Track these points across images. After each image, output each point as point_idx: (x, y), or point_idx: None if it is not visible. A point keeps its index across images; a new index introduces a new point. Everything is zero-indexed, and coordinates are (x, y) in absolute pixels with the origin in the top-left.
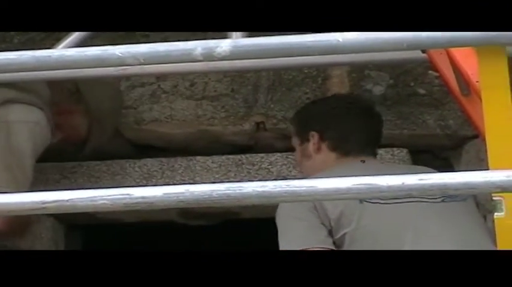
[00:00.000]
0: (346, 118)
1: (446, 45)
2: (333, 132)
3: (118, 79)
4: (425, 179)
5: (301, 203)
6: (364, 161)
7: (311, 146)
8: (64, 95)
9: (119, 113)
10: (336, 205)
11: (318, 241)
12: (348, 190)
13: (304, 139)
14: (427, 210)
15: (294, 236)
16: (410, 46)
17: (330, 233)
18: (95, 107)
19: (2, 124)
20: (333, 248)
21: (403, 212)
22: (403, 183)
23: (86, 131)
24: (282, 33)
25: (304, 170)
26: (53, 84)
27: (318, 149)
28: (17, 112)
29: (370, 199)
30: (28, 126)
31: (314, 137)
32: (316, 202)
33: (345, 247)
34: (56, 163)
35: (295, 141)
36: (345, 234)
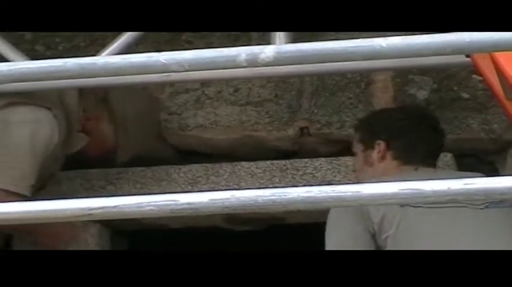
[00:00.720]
0: (414, 130)
1: (490, 50)
2: (400, 143)
3: (161, 86)
4: (471, 184)
5: (347, 208)
6: (416, 169)
7: (375, 154)
8: (92, 101)
9: (152, 120)
10: (378, 209)
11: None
12: (394, 195)
13: (369, 146)
14: (469, 216)
15: (337, 243)
16: (454, 51)
17: (374, 237)
18: (121, 113)
19: (2, 126)
20: None
21: (444, 217)
22: (448, 188)
23: (113, 137)
24: (323, 34)
25: (362, 176)
26: (83, 90)
27: (382, 158)
28: (16, 113)
29: (414, 204)
30: (27, 125)
31: (380, 145)
32: (359, 207)
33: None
34: (101, 169)
35: (358, 147)
36: (387, 237)
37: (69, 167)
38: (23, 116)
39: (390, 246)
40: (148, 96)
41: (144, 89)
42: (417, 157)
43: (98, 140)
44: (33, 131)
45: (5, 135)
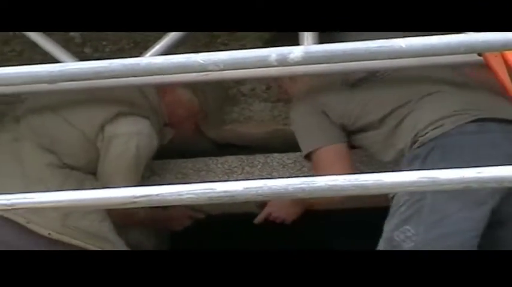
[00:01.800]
0: None
1: (501, 48)
2: None
3: None
4: (483, 173)
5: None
6: None
7: None
8: None
9: (222, 88)
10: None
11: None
12: (412, 183)
13: None
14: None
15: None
16: (468, 50)
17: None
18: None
19: (111, 138)
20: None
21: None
22: (462, 176)
23: (195, 99)
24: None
25: None
26: None
27: None
28: (122, 126)
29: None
30: (132, 138)
31: None
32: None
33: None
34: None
35: None
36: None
37: None
38: (128, 128)
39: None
40: (223, 88)
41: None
42: None
43: (181, 107)
44: (139, 142)
45: (112, 148)
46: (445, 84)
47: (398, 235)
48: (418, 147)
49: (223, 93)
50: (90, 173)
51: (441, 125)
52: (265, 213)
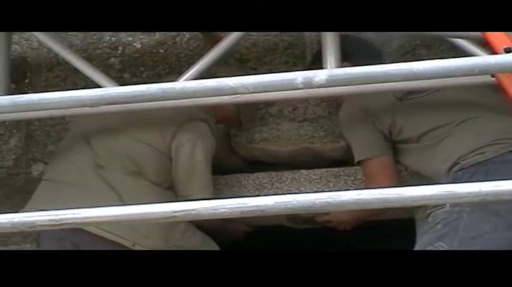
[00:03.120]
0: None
1: None
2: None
3: None
4: (500, 186)
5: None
6: None
7: None
8: None
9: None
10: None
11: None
12: (432, 197)
13: None
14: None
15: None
16: (481, 71)
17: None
18: None
19: (178, 148)
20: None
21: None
22: (480, 189)
23: (236, 108)
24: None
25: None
26: None
27: None
28: (185, 133)
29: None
30: (196, 142)
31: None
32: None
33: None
34: None
35: None
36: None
37: None
38: (190, 135)
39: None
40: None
41: None
42: None
43: (223, 113)
44: (203, 144)
45: (180, 157)
46: (484, 109)
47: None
48: (460, 170)
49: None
50: (169, 189)
51: (483, 152)
52: (327, 218)
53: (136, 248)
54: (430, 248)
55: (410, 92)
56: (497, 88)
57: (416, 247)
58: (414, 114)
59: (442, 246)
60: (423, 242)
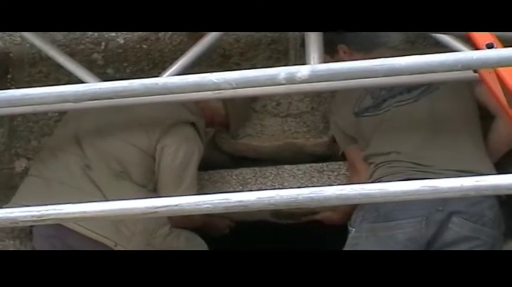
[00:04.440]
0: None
1: (495, 65)
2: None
3: None
4: (481, 181)
5: None
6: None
7: (343, 55)
8: None
9: (249, 102)
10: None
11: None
12: (415, 192)
13: (335, 53)
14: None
15: None
16: (464, 67)
17: None
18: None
19: (161, 150)
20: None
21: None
22: (461, 185)
23: (223, 109)
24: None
25: None
26: None
27: (350, 55)
28: (171, 135)
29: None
30: (181, 145)
31: (343, 48)
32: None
33: None
34: None
35: (327, 59)
36: None
37: None
38: (175, 138)
39: None
40: None
41: None
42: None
43: (212, 116)
44: (187, 148)
45: (163, 159)
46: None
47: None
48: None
49: (248, 112)
50: (154, 191)
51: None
52: (316, 218)
53: (118, 248)
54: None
55: (367, 109)
56: None
57: None
58: (366, 132)
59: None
60: None
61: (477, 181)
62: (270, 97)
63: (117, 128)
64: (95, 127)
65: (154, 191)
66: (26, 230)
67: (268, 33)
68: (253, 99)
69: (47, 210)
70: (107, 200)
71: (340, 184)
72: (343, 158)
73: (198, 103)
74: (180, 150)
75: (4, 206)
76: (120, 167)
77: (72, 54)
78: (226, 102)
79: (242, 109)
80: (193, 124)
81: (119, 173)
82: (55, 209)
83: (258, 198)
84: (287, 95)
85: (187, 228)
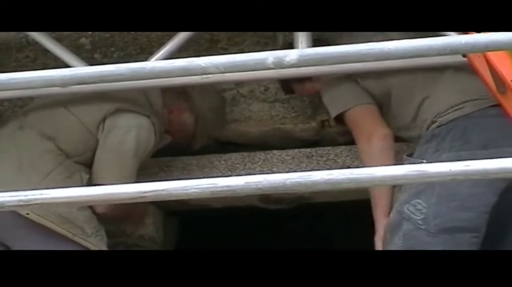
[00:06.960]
0: None
1: (484, 50)
2: None
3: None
4: (470, 165)
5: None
6: None
7: None
8: (174, 96)
9: (222, 115)
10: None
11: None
12: (403, 176)
13: None
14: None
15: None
16: (453, 51)
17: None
18: (200, 106)
19: (111, 129)
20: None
21: None
22: (450, 169)
23: (193, 127)
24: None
25: None
26: (165, 89)
27: None
28: (123, 119)
29: None
30: (132, 130)
31: None
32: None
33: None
34: (155, 158)
35: None
36: None
37: None
38: (129, 122)
39: None
40: (219, 94)
41: (213, 87)
42: None
43: (179, 129)
44: (138, 135)
45: (111, 137)
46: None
47: (409, 208)
48: (438, 127)
49: (222, 126)
50: (84, 165)
51: (461, 108)
52: None
53: (76, 240)
54: (407, 206)
55: None
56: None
57: (395, 206)
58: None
59: (419, 203)
60: (400, 201)
61: (466, 166)
62: (258, 82)
63: (71, 100)
64: (51, 100)
65: (79, 164)
66: None
67: None
68: (240, 84)
69: (34, 195)
70: (20, 161)
71: (330, 169)
72: (331, 142)
73: (170, 114)
74: (129, 135)
75: None
76: (51, 131)
77: (59, 39)
78: (199, 121)
79: (212, 129)
80: (148, 117)
81: (46, 135)
82: (42, 194)
83: (246, 183)
84: (275, 80)
85: (107, 218)
